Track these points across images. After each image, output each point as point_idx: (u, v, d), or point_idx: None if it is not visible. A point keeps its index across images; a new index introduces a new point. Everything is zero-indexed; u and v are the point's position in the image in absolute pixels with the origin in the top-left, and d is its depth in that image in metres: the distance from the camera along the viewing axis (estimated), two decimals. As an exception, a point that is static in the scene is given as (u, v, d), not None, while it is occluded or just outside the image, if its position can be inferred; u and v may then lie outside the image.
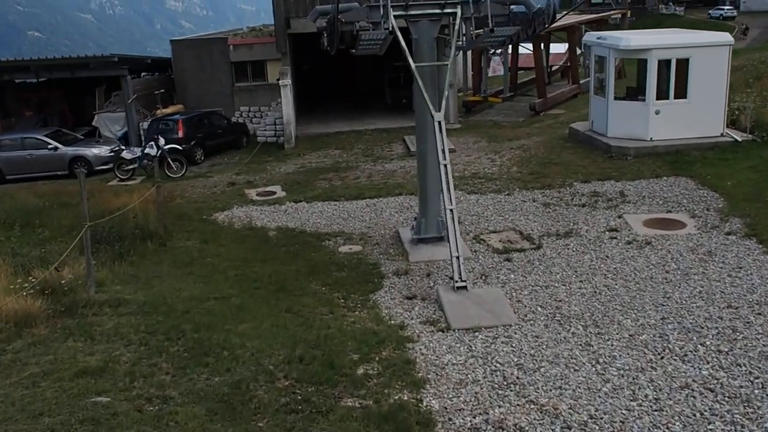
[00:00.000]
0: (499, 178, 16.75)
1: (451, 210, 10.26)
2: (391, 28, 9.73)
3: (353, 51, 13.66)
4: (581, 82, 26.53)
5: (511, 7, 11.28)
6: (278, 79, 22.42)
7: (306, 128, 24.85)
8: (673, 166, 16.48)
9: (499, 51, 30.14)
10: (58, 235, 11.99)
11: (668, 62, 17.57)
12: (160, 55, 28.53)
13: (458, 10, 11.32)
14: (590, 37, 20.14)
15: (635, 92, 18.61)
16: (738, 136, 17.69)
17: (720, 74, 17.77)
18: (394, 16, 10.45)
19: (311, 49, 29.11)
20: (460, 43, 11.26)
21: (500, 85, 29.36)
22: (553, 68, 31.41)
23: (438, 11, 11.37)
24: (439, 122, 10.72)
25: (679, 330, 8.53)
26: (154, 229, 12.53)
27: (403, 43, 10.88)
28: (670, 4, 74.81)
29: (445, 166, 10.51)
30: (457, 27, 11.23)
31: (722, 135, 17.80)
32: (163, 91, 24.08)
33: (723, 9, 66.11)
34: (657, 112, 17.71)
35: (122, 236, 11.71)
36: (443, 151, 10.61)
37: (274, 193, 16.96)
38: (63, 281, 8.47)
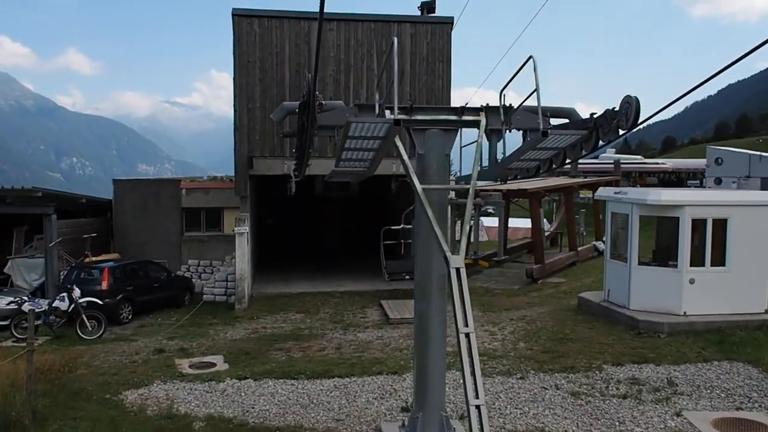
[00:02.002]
0: (505, 356, 13.14)
1: (478, 407, 6.38)
2: (396, 117, 6.34)
3: (327, 177, 10.36)
4: (579, 249, 23.71)
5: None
6: (234, 227, 18.99)
7: (264, 287, 21.13)
8: (721, 347, 13.51)
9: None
10: None
11: (703, 222, 14.78)
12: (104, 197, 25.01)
13: (482, 119, 8.18)
14: (606, 192, 17.40)
15: (663, 257, 15.59)
16: (786, 315, 14.86)
17: (763, 239, 15.10)
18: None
19: (275, 198, 26.55)
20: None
21: (483, 250, 26.39)
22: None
23: (453, 118, 8.19)
24: (458, 269, 7.14)
25: None
26: (18, 415, 8.35)
27: (404, 155, 7.60)
28: (638, 185, 75.65)
29: (468, 336, 6.77)
30: (479, 140, 8.01)
31: (766, 312, 14.90)
32: (94, 235, 20.37)
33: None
34: (691, 281, 14.75)
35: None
36: (464, 313, 6.94)
37: (213, 365, 12.91)
38: None
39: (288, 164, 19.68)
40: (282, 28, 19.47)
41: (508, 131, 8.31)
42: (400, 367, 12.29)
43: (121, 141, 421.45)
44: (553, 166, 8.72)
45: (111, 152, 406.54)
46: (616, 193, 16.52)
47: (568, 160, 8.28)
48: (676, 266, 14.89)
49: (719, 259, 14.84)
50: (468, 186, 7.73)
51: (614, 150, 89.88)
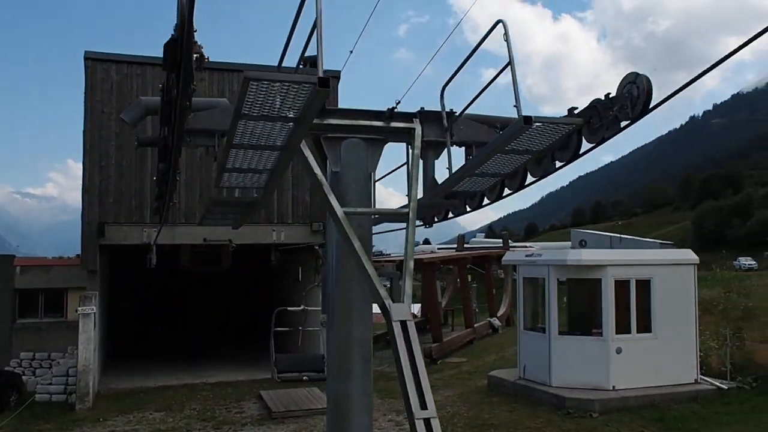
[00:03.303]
0: (422, 451, 10.53)
1: None
2: (322, 75, 4.01)
3: (200, 218, 7.77)
4: (475, 325, 21.91)
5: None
6: (78, 307, 15.50)
7: (115, 381, 17.50)
8: (664, 425, 12.32)
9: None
10: None
11: (627, 284, 13.45)
12: None
13: (417, 126, 6.12)
14: (515, 255, 15.85)
15: (585, 324, 14.00)
16: (717, 382, 13.67)
17: (687, 300, 14.10)
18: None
19: (133, 274, 22.87)
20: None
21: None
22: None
23: (379, 124, 6.05)
24: (403, 323, 4.84)
25: None
26: None
27: (315, 167, 5.40)
28: (500, 270, 76.69)
29: (428, 423, 4.38)
30: (415, 151, 5.93)
31: (696, 381, 13.66)
32: None
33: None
34: (618, 351, 13.24)
35: None
36: (419, 388, 4.61)
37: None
38: None
39: (148, 231, 16.61)
40: (144, 76, 16.80)
41: (450, 144, 6.24)
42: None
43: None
44: (506, 191, 6.69)
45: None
46: (528, 255, 14.92)
47: (530, 179, 6.27)
48: (600, 334, 13.33)
49: (645, 325, 13.48)
50: (406, 210, 5.52)
51: (483, 234, 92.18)
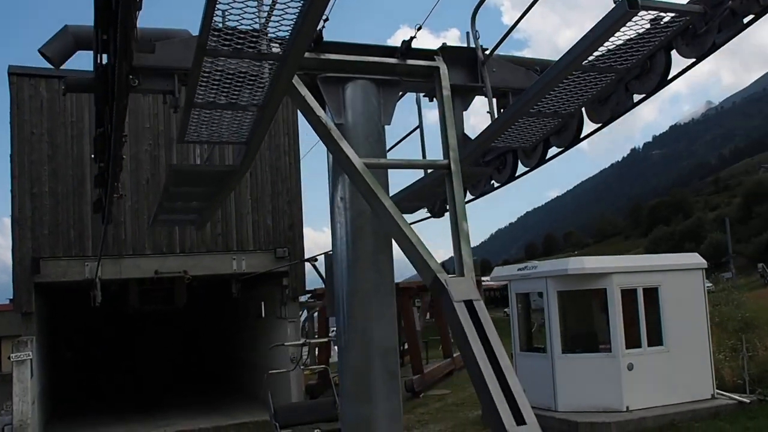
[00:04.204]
0: (427, 495, 9.08)
1: None
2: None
3: (157, 214, 6.06)
4: (454, 355, 20.40)
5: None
6: (12, 354, 13.43)
7: (58, 439, 15.35)
8: None
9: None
10: None
11: (633, 293, 12.24)
12: None
13: (441, 64, 4.70)
14: (506, 270, 14.58)
15: (591, 340, 12.70)
16: (736, 395, 12.44)
17: (697, 308, 12.94)
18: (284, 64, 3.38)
19: (76, 316, 20.74)
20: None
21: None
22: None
23: (393, 62, 4.61)
24: (470, 303, 3.32)
25: None
26: None
27: (316, 107, 3.92)
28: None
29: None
30: (444, 92, 4.53)
31: (713, 397, 12.45)
32: None
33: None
34: (630, 367, 11.96)
35: None
36: (509, 394, 3.09)
37: None
38: None
39: (90, 265, 14.69)
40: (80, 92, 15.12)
41: (488, 85, 4.82)
42: None
43: None
44: (548, 150, 5.22)
45: None
46: (521, 269, 13.58)
47: (585, 132, 4.85)
48: (609, 350, 12.01)
49: (656, 338, 12.24)
50: (446, 161, 4.07)
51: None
